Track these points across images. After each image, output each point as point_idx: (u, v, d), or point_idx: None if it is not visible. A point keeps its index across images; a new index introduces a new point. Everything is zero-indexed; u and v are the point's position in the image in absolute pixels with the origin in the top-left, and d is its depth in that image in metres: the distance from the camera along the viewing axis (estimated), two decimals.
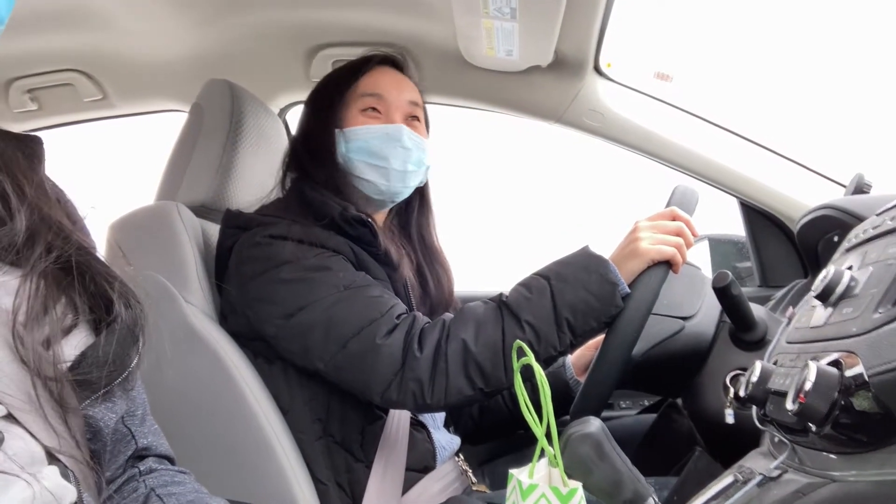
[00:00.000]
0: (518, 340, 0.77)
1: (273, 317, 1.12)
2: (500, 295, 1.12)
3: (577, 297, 1.07)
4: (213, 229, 1.34)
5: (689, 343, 1.17)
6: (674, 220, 1.12)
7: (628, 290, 1.08)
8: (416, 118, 1.31)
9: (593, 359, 1.09)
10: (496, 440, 1.56)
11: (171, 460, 0.81)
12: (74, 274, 0.62)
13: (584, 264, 1.10)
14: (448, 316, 1.12)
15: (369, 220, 1.21)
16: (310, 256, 1.13)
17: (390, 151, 1.25)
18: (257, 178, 1.40)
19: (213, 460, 1.13)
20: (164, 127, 1.88)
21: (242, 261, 1.17)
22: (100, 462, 0.65)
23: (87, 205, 0.73)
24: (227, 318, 1.22)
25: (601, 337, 1.13)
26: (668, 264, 1.09)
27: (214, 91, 1.37)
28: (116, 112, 1.86)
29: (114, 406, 0.66)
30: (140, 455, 0.76)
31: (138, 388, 0.75)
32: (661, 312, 1.17)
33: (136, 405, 0.75)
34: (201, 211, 1.33)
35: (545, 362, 1.08)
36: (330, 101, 1.30)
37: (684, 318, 1.18)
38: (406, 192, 1.31)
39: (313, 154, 1.29)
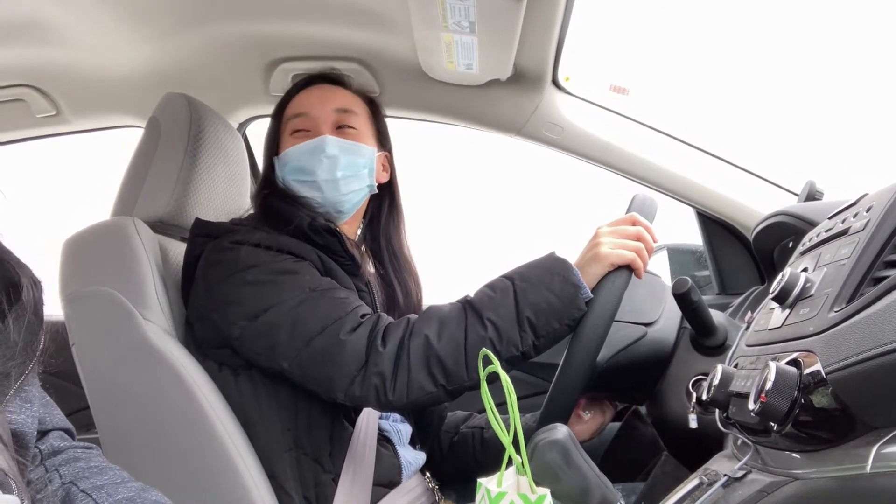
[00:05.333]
0: (484, 349, 0.77)
1: (238, 318, 1.12)
2: (466, 296, 1.14)
3: (539, 297, 1.08)
4: (172, 245, 1.32)
5: (652, 349, 1.18)
6: (634, 225, 1.14)
7: (591, 294, 1.10)
8: (347, 126, 1.31)
9: (560, 365, 1.10)
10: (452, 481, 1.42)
11: (71, 434, 0.75)
12: None
13: (548, 267, 1.12)
14: (413, 316, 1.13)
15: (337, 229, 1.23)
16: (277, 261, 1.15)
17: (315, 165, 1.27)
18: (216, 193, 1.38)
19: (175, 478, 1.10)
20: (120, 142, 1.85)
21: (209, 265, 1.18)
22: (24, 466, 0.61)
23: None
24: (194, 325, 1.21)
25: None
26: (629, 269, 1.11)
27: (172, 105, 1.34)
28: (70, 128, 1.83)
29: (28, 403, 0.62)
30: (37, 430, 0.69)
31: None
32: (623, 319, 1.18)
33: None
34: (159, 226, 1.31)
35: (507, 362, 1.08)
36: (270, 132, 1.36)
37: (646, 325, 1.19)
38: (348, 200, 1.30)
39: (265, 182, 1.34)
